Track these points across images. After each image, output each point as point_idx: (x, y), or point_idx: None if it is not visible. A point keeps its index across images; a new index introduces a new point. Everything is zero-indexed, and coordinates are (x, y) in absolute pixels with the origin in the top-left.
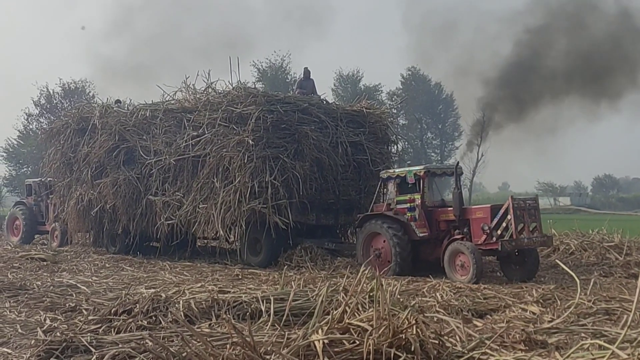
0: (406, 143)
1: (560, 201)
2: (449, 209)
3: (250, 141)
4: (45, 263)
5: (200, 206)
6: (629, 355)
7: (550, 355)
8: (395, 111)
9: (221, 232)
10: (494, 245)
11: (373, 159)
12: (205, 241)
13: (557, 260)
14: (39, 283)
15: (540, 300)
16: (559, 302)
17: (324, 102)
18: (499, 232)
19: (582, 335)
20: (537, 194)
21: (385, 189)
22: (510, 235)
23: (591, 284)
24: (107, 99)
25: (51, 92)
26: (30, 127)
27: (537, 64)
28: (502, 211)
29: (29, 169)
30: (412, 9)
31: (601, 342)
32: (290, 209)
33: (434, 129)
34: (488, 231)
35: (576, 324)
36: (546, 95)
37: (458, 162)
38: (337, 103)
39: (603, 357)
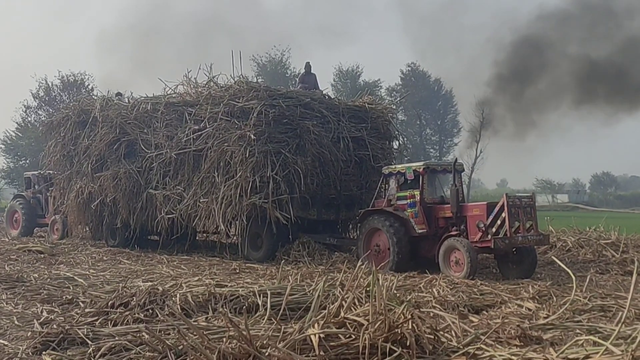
0: (405, 139)
1: (558, 198)
2: (448, 205)
3: (252, 136)
4: (42, 255)
5: (201, 200)
6: (622, 351)
7: (544, 351)
8: (394, 107)
9: (222, 226)
10: (489, 243)
11: (375, 155)
12: (205, 235)
13: (553, 257)
14: (36, 275)
15: (536, 297)
16: (554, 298)
17: (326, 97)
18: (494, 229)
19: (577, 331)
20: (535, 191)
21: (386, 185)
22: (504, 233)
23: (587, 281)
24: (108, 91)
25: (50, 84)
26: (29, 119)
27: (540, 63)
28: (497, 209)
29: (27, 161)
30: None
31: (595, 339)
32: (292, 204)
33: (433, 125)
34: (484, 228)
35: (571, 320)
36: (549, 95)
37: (456, 159)
38: (339, 98)
39: (597, 353)
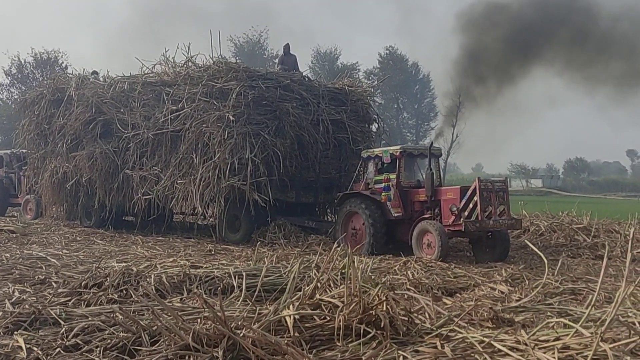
0: (382, 123)
1: (532, 183)
2: (423, 189)
3: (231, 117)
4: (14, 235)
5: (178, 182)
6: (592, 333)
7: (516, 333)
8: (373, 90)
9: (199, 208)
10: (461, 226)
11: (354, 138)
12: (182, 216)
13: (526, 241)
14: (7, 255)
15: (509, 280)
16: (527, 281)
17: (306, 79)
18: (466, 213)
19: (548, 314)
20: (509, 176)
21: (365, 168)
22: (476, 216)
23: (559, 264)
24: (83, 69)
25: (22, 61)
26: (1, 97)
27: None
28: (469, 192)
29: None
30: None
31: (566, 321)
32: (270, 186)
33: (410, 109)
34: (456, 212)
35: (543, 303)
36: (521, 75)
37: (432, 143)
38: (319, 80)
39: (567, 335)
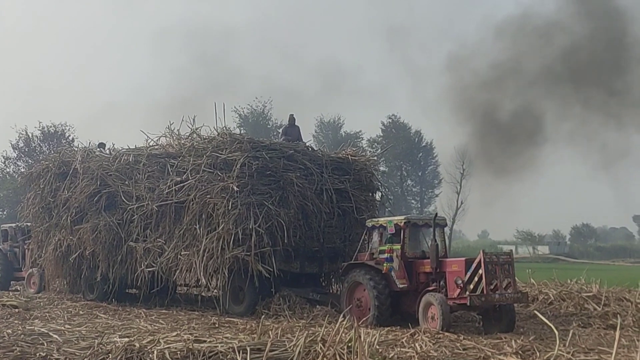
0: (387, 190)
1: (539, 249)
2: (428, 260)
3: (235, 187)
4: (17, 310)
5: (182, 253)
6: None
7: None
8: (376, 159)
9: (203, 280)
10: (466, 300)
11: (358, 207)
12: (186, 288)
13: (535, 312)
14: (9, 331)
15: (520, 352)
16: (538, 353)
17: (310, 149)
18: (471, 286)
19: None
20: (515, 242)
21: (370, 238)
22: (481, 290)
23: (570, 335)
24: (89, 142)
25: (30, 135)
26: (7, 170)
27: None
28: (474, 265)
29: (4, 213)
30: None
31: None
32: (274, 256)
33: (414, 176)
34: (462, 285)
35: None
36: (527, 142)
37: (436, 214)
38: (322, 150)
39: None
